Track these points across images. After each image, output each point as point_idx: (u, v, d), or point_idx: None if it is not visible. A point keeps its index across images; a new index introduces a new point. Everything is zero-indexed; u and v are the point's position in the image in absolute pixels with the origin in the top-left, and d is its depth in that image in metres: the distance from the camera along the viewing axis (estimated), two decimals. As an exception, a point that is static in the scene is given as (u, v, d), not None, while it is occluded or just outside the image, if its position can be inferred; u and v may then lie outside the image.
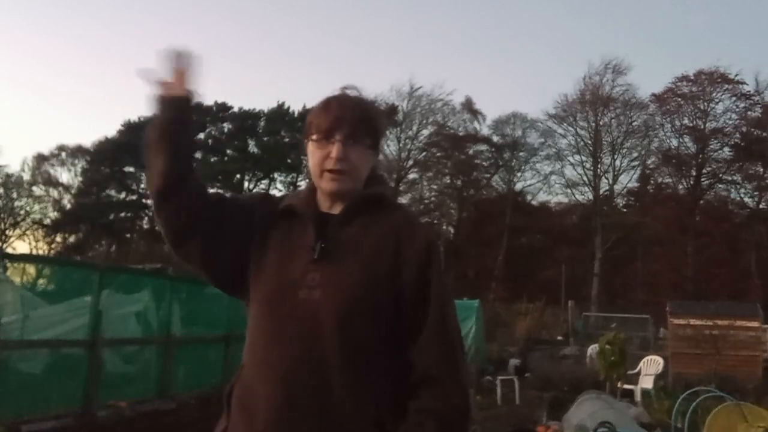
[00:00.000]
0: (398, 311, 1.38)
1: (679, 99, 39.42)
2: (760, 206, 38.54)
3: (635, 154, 40.51)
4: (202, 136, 45.44)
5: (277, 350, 1.35)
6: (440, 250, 1.46)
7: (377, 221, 1.44)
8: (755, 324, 12.29)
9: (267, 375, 1.35)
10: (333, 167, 1.42)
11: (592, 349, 12.34)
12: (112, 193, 44.27)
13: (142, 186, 45.36)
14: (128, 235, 43.65)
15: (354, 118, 1.44)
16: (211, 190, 1.57)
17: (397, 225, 1.43)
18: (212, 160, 44.97)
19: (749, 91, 38.15)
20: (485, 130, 43.26)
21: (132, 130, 43.38)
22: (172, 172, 1.44)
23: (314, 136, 1.45)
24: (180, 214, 1.47)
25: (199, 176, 1.53)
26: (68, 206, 43.15)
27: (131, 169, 44.39)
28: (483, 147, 43.33)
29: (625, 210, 42.51)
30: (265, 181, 44.71)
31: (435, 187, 43.62)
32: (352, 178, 1.44)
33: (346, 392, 1.32)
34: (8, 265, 6.18)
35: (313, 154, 1.45)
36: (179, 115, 1.45)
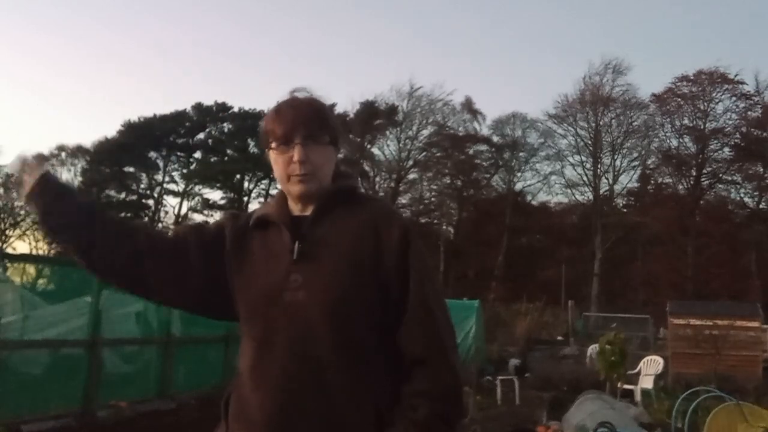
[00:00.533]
0: (385, 302, 1.37)
1: (679, 99, 39.46)
2: (760, 206, 38.58)
3: (635, 154, 40.63)
4: (202, 136, 45.57)
5: (268, 356, 1.35)
6: (418, 237, 1.45)
7: (351, 214, 1.43)
8: (755, 324, 12.29)
9: (258, 382, 1.35)
10: (297, 171, 1.42)
11: (592, 349, 12.34)
12: (112, 193, 44.28)
13: (143, 186, 45.44)
14: (128, 235, 43.60)
15: (308, 118, 1.44)
16: (189, 228, 1.59)
17: (372, 215, 1.43)
18: (212, 160, 45.01)
19: (749, 91, 38.25)
20: (485, 130, 43.37)
21: (132, 131, 43.42)
22: (76, 243, 1.49)
23: (273, 144, 1.45)
24: (121, 271, 1.51)
25: (122, 230, 1.53)
26: (68, 206, 43.11)
27: (131, 169, 44.44)
28: (483, 147, 43.37)
29: (625, 210, 42.51)
30: (265, 181, 44.69)
31: (435, 187, 43.64)
32: (318, 178, 1.44)
33: (343, 392, 1.31)
34: (8, 265, 6.18)
35: (276, 162, 1.45)
36: (43, 199, 1.48)
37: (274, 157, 1.46)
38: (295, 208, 1.48)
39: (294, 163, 1.42)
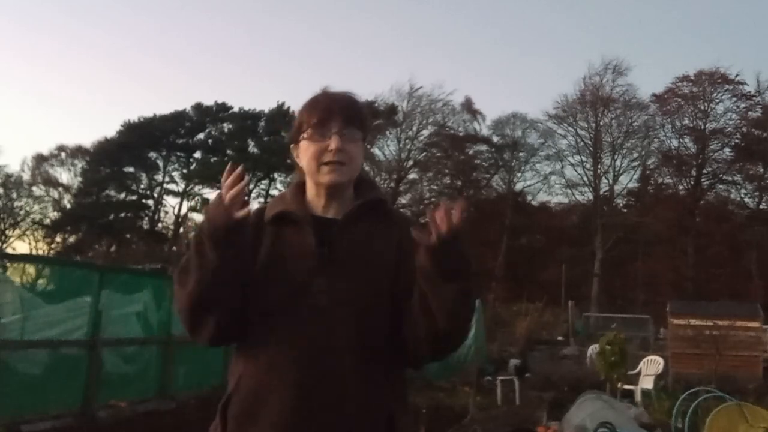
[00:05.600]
0: (396, 310, 1.37)
1: (680, 99, 39.46)
2: (761, 207, 38.58)
3: (635, 155, 40.58)
4: (202, 136, 45.60)
5: (285, 357, 1.33)
6: None
7: (380, 226, 1.43)
8: (755, 324, 12.29)
9: (276, 382, 1.32)
10: (333, 159, 1.40)
11: (593, 349, 12.33)
12: (112, 193, 44.25)
13: (142, 186, 45.39)
14: (128, 236, 43.62)
15: (345, 110, 1.43)
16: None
17: (398, 230, 1.43)
18: (212, 160, 44.97)
19: (750, 92, 38.27)
20: (485, 131, 43.32)
21: (132, 131, 43.41)
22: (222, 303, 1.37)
23: (307, 132, 1.43)
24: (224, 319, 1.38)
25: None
26: (68, 206, 43.14)
27: (131, 169, 44.41)
28: (483, 147, 43.35)
29: (625, 210, 42.48)
30: (265, 182, 44.69)
31: (435, 187, 43.58)
32: (350, 170, 1.43)
33: (359, 395, 1.31)
34: (8, 265, 6.18)
35: (307, 150, 1.43)
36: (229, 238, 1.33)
37: (306, 146, 1.43)
38: (317, 205, 1.46)
39: (329, 151, 1.40)
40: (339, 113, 1.42)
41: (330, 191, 1.44)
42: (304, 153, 1.44)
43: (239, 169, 1.36)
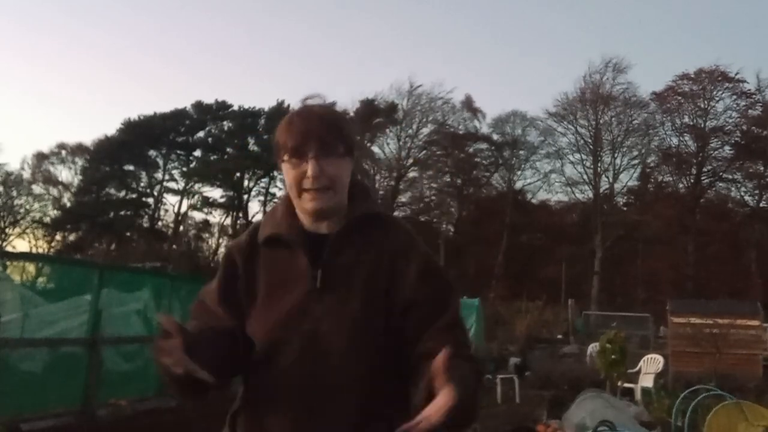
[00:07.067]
0: (391, 328, 1.34)
1: (680, 97, 39.49)
2: (761, 205, 38.62)
3: (635, 153, 40.65)
4: (202, 134, 45.60)
5: (284, 383, 1.32)
6: (436, 263, 1.43)
7: (372, 242, 1.38)
8: (755, 323, 12.27)
9: (276, 407, 1.32)
10: (311, 186, 1.34)
11: (593, 347, 12.33)
12: (112, 191, 44.29)
13: (142, 184, 45.43)
14: (128, 234, 43.64)
15: (321, 130, 1.36)
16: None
17: (392, 247, 1.38)
18: (212, 158, 45.01)
19: (750, 90, 38.30)
20: (485, 129, 43.42)
21: (132, 129, 43.42)
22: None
23: (285, 157, 1.37)
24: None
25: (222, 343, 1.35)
26: (68, 204, 43.18)
27: (131, 168, 44.44)
28: (483, 145, 43.42)
29: (625, 208, 42.53)
30: (265, 180, 44.69)
31: (435, 185, 43.61)
32: (333, 193, 1.37)
33: (359, 417, 1.30)
34: (8, 263, 6.18)
35: (288, 174, 1.37)
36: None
37: (287, 169, 1.38)
38: (306, 222, 1.41)
39: (307, 177, 1.34)
40: (315, 136, 1.35)
41: (315, 217, 1.40)
42: (286, 175, 1.39)
43: (171, 321, 1.20)
